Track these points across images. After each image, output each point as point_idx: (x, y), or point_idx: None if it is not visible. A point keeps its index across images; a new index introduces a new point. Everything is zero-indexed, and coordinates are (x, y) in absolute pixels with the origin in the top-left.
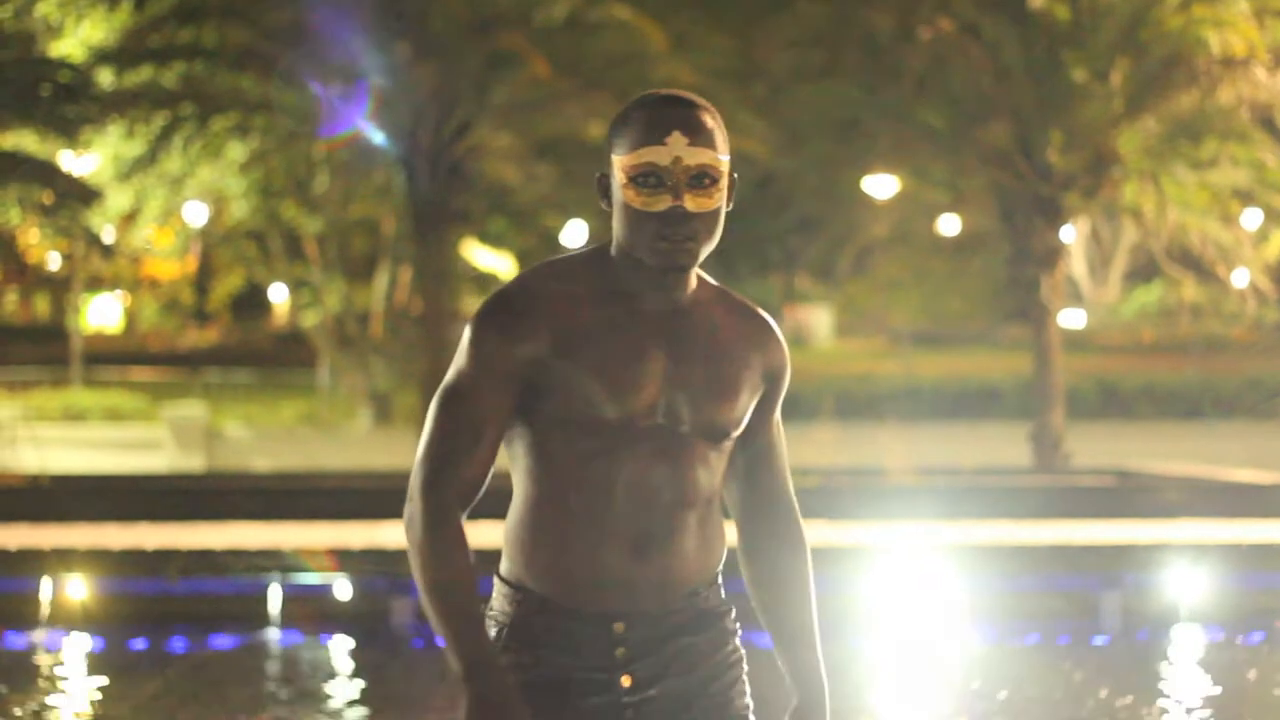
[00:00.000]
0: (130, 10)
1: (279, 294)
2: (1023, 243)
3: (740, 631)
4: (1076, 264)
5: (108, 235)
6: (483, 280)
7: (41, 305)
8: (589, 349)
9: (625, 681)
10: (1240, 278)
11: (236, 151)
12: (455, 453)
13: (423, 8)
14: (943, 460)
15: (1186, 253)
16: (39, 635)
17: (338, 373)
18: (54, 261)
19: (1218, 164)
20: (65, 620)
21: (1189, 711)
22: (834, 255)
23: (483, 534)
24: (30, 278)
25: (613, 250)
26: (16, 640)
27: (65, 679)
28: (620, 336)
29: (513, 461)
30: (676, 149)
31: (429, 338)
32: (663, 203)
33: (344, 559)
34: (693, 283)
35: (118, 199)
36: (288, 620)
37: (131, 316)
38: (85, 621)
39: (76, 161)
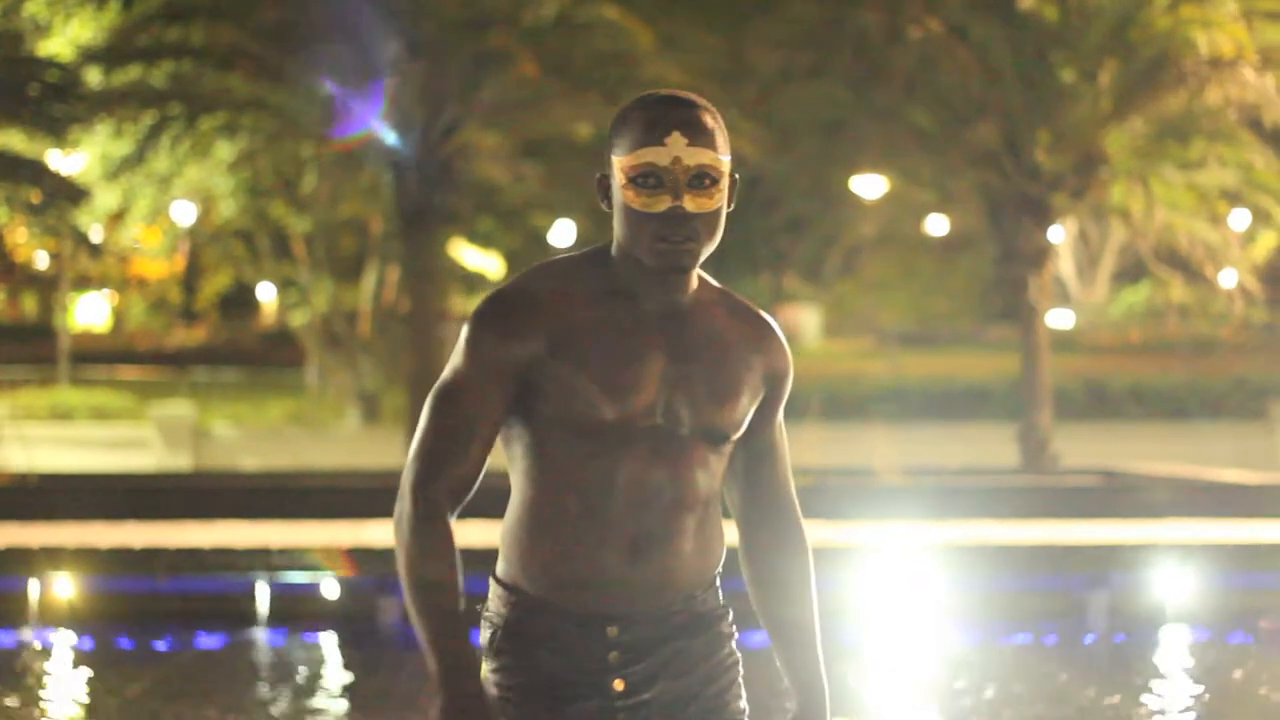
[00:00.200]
0: (118, 9)
1: (267, 293)
2: (1010, 243)
3: (737, 635)
4: (1064, 264)
5: (95, 234)
6: (471, 280)
7: (29, 304)
8: (587, 349)
9: (618, 685)
10: (1228, 278)
11: (224, 151)
12: (447, 451)
13: (413, 7)
14: (930, 460)
15: (1174, 253)
16: (27, 634)
17: (325, 372)
18: (42, 260)
19: (1205, 165)
20: (53, 619)
21: (1175, 711)
22: (822, 255)
23: (479, 533)
24: (18, 276)
25: (613, 251)
26: (4, 639)
27: (53, 677)
28: (619, 337)
29: (510, 462)
30: (676, 149)
31: (417, 337)
32: (662, 203)
33: (334, 558)
34: (694, 284)
35: (105, 198)
36: (275, 619)
37: (119, 315)
38: (73, 620)
39: (64, 160)
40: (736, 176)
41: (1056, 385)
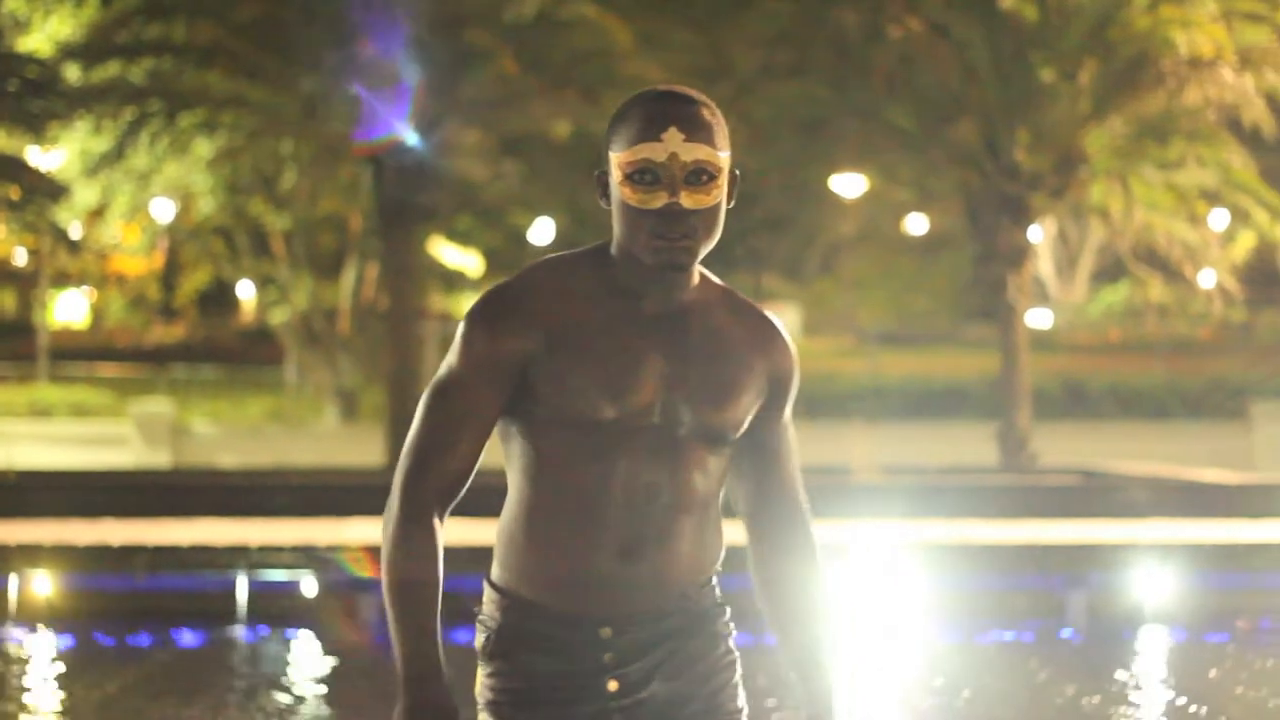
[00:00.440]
0: (97, 6)
1: (246, 290)
2: (989, 242)
3: (734, 634)
4: (1043, 264)
5: (74, 231)
6: (450, 277)
7: (8, 301)
8: (584, 346)
9: (612, 686)
10: (1207, 278)
11: (204, 148)
12: (438, 448)
13: (391, 4)
14: (909, 459)
15: (1153, 253)
16: (4, 631)
17: (304, 369)
18: (20, 257)
19: (1184, 164)
20: (31, 616)
21: (1153, 710)
22: (801, 254)
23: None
24: None
25: (613, 249)
26: None
27: (31, 675)
28: (617, 335)
29: (508, 461)
30: (672, 145)
31: (396, 335)
32: (659, 200)
33: (314, 555)
34: (695, 282)
35: (85, 194)
36: (254, 616)
37: (98, 312)
38: (51, 617)
39: (43, 157)
40: (737, 173)
41: (1035, 384)
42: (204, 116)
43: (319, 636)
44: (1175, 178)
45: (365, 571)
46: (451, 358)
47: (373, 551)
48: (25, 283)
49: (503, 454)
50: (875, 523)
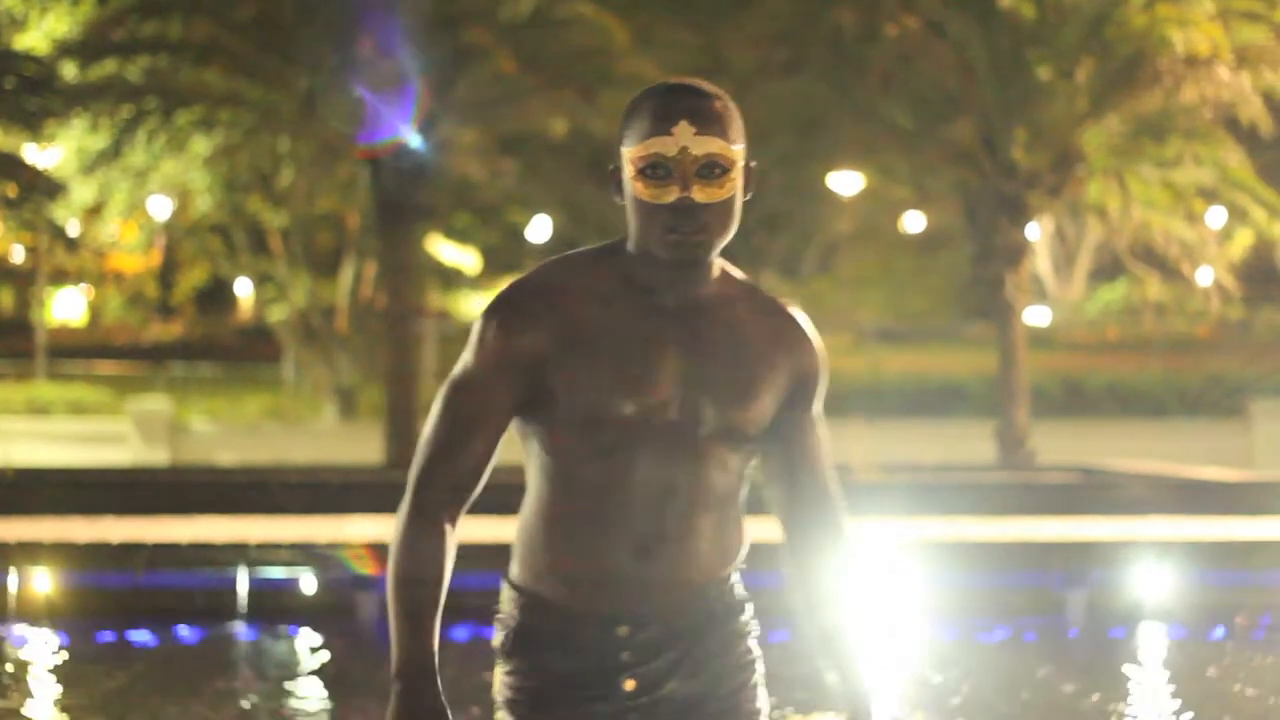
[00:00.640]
0: (94, 3)
1: (244, 288)
2: (987, 240)
3: (756, 632)
4: (1041, 262)
5: (72, 229)
6: (447, 275)
7: (5, 299)
8: (599, 342)
9: (629, 685)
10: (1204, 276)
11: (201, 145)
12: (450, 445)
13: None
14: (907, 457)
15: (1151, 251)
16: (4, 628)
17: (302, 367)
18: (18, 255)
19: (1182, 163)
20: (30, 613)
21: (1152, 707)
22: (799, 252)
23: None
24: None
25: (629, 245)
26: None
27: (31, 672)
28: (633, 332)
29: (527, 459)
30: (683, 138)
31: (394, 332)
32: (671, 194)
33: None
34: (714, 276)
35: (82, 192)
36: (254, 613)
37: (96, 310)
38: (50, 615)
39: (40, 155)
40: (753, 164)
41: (1033, 382)
42: (201, 114)
43: (318, 633)
44: (1172, 176)
45: (365, 569)
46: (466, 356)
47: (372, 548)
48: (23, 280)
49: (522, 453)
50: (874, 520)
